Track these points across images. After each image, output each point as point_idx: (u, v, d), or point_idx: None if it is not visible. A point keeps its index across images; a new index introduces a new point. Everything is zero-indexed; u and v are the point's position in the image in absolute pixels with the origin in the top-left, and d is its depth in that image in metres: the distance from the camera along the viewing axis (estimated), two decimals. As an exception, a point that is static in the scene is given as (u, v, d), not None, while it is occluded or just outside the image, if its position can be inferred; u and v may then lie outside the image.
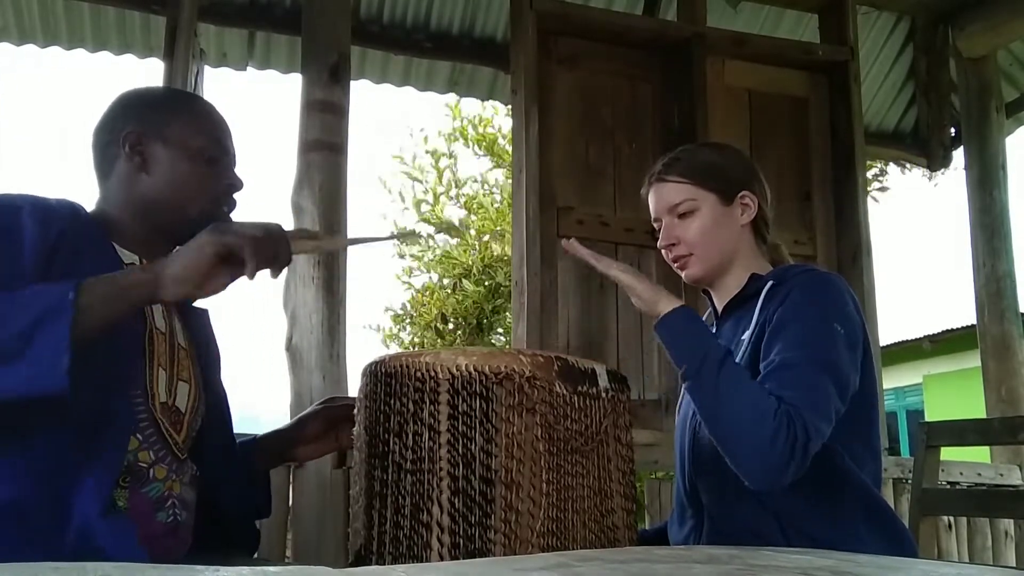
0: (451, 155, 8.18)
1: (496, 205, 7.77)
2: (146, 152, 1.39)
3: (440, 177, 8.07)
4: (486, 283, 7.33)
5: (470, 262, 7.47)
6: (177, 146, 1.41)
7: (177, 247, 1.24)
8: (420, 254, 7.98)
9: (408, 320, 7.80)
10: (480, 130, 8.03)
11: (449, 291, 7.50)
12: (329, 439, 1.60)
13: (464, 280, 7.35)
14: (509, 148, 7.97)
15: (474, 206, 7.92)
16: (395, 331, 7.97)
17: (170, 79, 2.96)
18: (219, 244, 1.17)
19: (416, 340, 7.76)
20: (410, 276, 8.01)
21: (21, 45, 3.67)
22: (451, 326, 7.49)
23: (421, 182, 8.12)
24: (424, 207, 8.08)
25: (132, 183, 1.39)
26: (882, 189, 7.53)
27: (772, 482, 1.34)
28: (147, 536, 1.26)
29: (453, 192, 8.12)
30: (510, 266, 4.49)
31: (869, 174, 7.10)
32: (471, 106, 8.16)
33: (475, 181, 8.16)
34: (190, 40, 3.05)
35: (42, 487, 1.18)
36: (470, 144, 8.04)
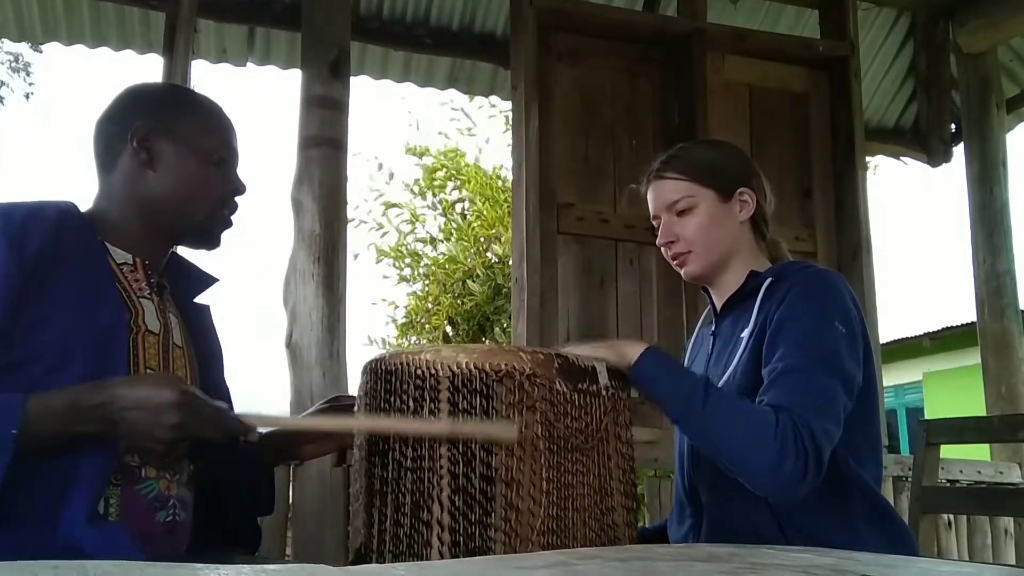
0: (431, 182, 8.12)
1: (471, 214, 7.74)
2: (154, 148, 1.38)
3: (414, 195, 8.05)
4: (489, 285, 7.31)
5: (472, 264, 7.45)
6: (186, 145, 1.39)
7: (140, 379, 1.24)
8: (413, 264, 7.95)
9: (413, 329, 7.76)
10: (451, 166, 8.00)
11: (454, 296, 7.47)
12: (333, 438, 1.60)
13: (469, 281, 7.33)
14: (478, 163, 7.96)
15: (452, 212, 7.88)
16: (399, 341, 7.92)
17: (169, 75, 2.96)
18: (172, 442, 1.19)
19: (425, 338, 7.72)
20: (404, 283, 7.97)
21: (20, 41, 3.67)
22: (457, 329, 7.46)
23: (399, 206, 8.09)
24: (405, 226, 8.06)
25: (136, 179, 1.38)
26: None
27: (791, 494, 1.33)
28: (145, 536, 1.26)
29: (432, 200, 8.07)
30: (509, 267, 4.49)
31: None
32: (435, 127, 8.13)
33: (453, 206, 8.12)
34: (189, 36, 3.05)
35: (29, 496, 1.17)
36: (444, 180, 8.02)
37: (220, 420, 1.23)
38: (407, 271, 7.93)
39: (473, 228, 7.59)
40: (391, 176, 8.16)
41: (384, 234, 8.07)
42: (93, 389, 1.18)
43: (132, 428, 1.17)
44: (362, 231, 8.04)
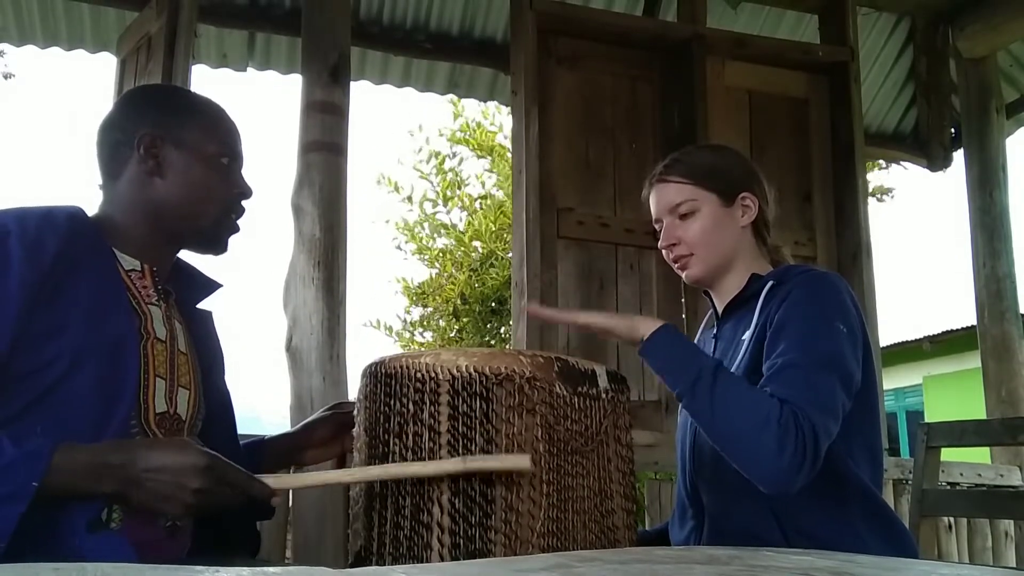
0: (454, 155, 8.15)
1: (501, 206, 7.74)
2: (161, 155, 1.37)
3: (444, 178, 8.03)
4: (507, 269, 7.31)
5: (492, 247, 7.43)
6: (192, 150, 1.39)
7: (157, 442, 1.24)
8: (426, 246, 7.94)
9: (427, 296, 7.73)
10: (479, 136, 7.99)
11: (470, 274, 7.46)
12: (336, 444, 1.60)
13: (491, 261, 7.30)
14: (508, 144, 7.95)
15: (476, 208, 7.89)
16: (409, 314, 7.89)
17: (170, 80, 2.96)
18: (196, 504, 1.18)
19: (434, 321, 7.69)
20: (423, 256, 7.94)
21: (21, 45, 3.67)
22: (469, 307, 7.44)
23: (429, 180, 8.09)
24: (428, 206, 8.05)
25: (144, 187, 1.37)
26: (884, 192, 7.50)
27: (786, 485, 1.33)
28: (146, 541, 1.26)
29: (457, 192, 8.07)
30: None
31: (872, 175, 7.10)
32: (471, 107, 8.11)
33: (478, 179, 8.12)
34: (190, 41, 3.05)
35: (32, 503, 1.17)
36: (473, 148, 8.01)
37: (243, 484, 1.21)
38: (425, 245, 7.91)
39: (503, 209, 7.58)
40: (427, 139, 8.14)
41: (409, 210, 8.09)
42: (118, 448, 1.18)
43: (154, 491, 1.16)
44: (386, 200, 8.07)
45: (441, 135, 8.16)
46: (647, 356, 1.47)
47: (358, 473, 1.28)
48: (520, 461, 1.14)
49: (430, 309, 7.74)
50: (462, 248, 7.63)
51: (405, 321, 7.91)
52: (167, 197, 1.38)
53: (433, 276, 7.76)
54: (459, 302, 7.47)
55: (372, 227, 8.30)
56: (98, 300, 1.27)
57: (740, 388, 1.39)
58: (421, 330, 7.88)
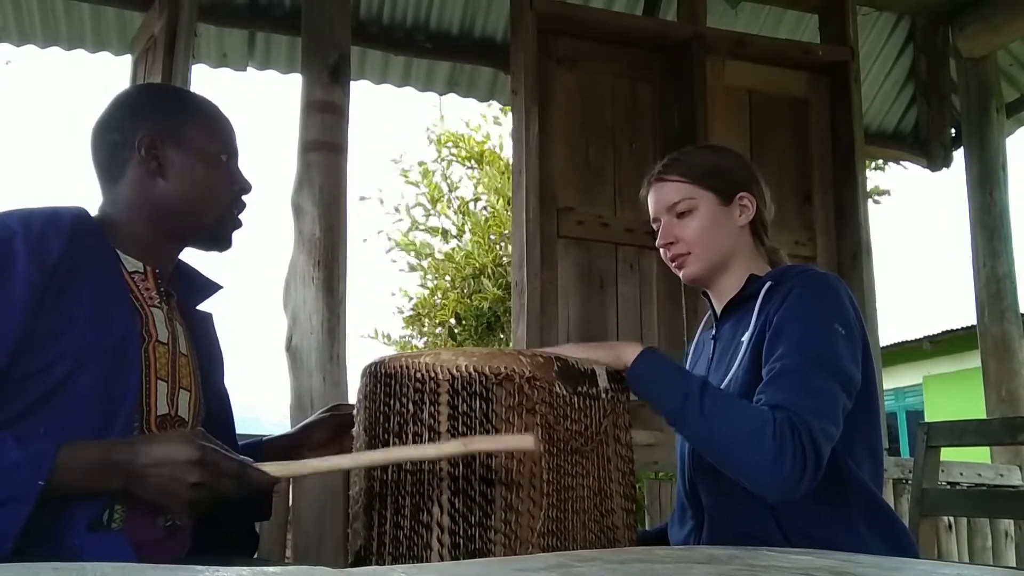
0: (442, 159, 8.10)
1: (487, 211, 7.69)
2: (162, 156, 1.37)
3: (431, 181, 8.00)
4: (500, 284, 7.24)
5: (484, 262, 7.38)
6: (193, 150, 1.39)
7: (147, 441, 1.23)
8: (422, 254, 7.90)
9: (419, 321, 7.70)
10: (467, 147, 7.95)
11: (462, 292, 7.39)
12: (334, 446, 1.61)
13: (483, 279, 7.25)
14: (499, 152, 7.93)
15: (469, 208, 7.86)
16: (405, 336, 7.85)
17: (170, 79, 2.96)
18: (195, 498, 1.18)
19: (431, 342, 7.66)
20: (416, 272, 7.91)
21: (21, 45, 3.67)
22: (464, 326, 7.40)
23: (417, 186, 8.06)
24: (420, 213, 8.02)
25: (146, 188, 1.37)
26: (880, 193, 7.49)
27: (790, 493, 1.32)
28: (146, 541, 1.26)
29: (448, 196, 8.04)
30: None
31: (868, 175, 7.08)
32: (460, 114, 8.09)
33: (470, 179, 8.08)
34: (190, 40, 3.05)
35: (38, 502, 1.17)
36: (461, 159, 7.98)
37: (241, 475, 1.21)
38: (416, 262, 7.88)
39: (489, 222, 7.53)
40: (401, 156, 8.10)
41: (398, 220, 8.05)
42: (121, 445, 1.18)
43: (156, 486, 1.17)
44: (374, 214, 8.02)
45: (430, 139, 8.12)
46: (632, 384, 1.43)
47: (362, 458, 1.27)
48: (523, 441, 1.13)
49: (426, 329, 7.71)
50: (453, 264, 7.57)
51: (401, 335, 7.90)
52: (170, 197, 1.38)
53: (426, 296, 7.72)
54: (453, 322, 7.44)
55: (368, 235, 8.23)
56: (101, 301, 1.27)
57: (730, 403, 1.38)
58: (418, 335, 7.86)
